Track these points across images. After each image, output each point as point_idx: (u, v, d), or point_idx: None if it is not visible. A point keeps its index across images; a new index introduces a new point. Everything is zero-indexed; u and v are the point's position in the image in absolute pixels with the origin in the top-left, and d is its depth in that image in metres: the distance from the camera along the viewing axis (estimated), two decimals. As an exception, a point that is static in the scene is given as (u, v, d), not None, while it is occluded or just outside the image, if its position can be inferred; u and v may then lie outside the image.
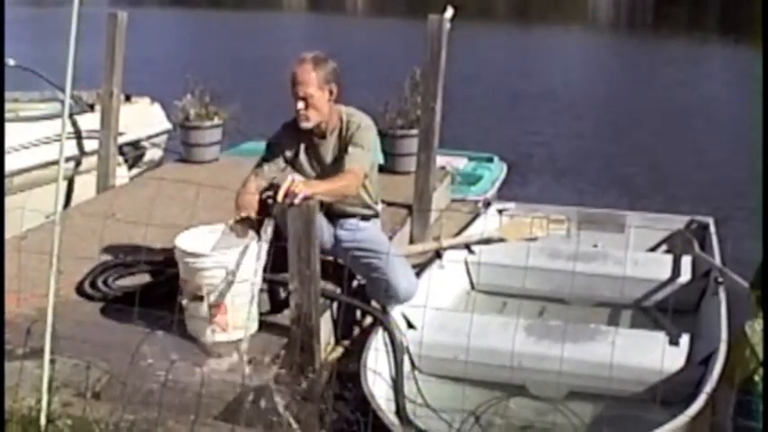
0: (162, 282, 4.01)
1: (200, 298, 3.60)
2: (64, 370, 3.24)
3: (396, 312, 4.10)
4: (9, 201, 5.08)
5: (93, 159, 6.59)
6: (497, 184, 7.69)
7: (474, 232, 5.45)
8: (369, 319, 4.32)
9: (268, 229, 3.63)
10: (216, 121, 6.79)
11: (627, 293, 4.78)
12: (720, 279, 4.52)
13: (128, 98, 7.41)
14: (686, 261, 4.97)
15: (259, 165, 4.12)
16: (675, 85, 17.75)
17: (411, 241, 5.49)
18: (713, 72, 20.49)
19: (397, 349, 3.84)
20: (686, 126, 13.52)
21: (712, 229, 5.58)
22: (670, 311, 4.26)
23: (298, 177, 3.67)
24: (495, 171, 7.93)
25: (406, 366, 3.90)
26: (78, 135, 6.69)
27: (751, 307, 3.73)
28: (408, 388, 3.78)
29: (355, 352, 3.92)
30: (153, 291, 3.91)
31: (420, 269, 4.84)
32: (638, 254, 5.38)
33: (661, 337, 3.97)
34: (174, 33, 28.51)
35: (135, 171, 7.43)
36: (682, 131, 13.05)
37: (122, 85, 6.55)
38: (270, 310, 3.91)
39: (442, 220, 5.90)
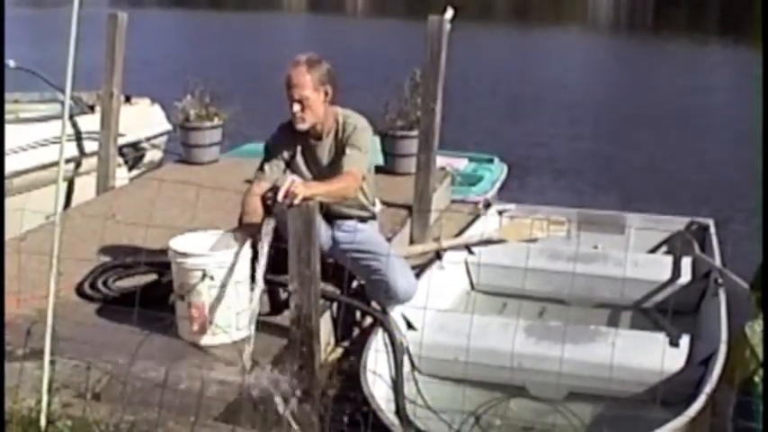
0: (161, 283, 4.00)
1: (182, 297, 3.61)
2: (64, 371, 3.24)
3: (396, 313, 4.10)
4: (9, 202, 5.08)
5: (93, 160, 6.59)
6: (498, 185, 7.69)
7: (474, 233, 5.45)
8: (369, 320, 4.32)
9: (269, 228, 3.63)
10: (216, 122, 6.79)
11: (627, 294, 4.78)
12: (720, 280, 4.53)
13: (128, 99, 7.41)
14: (686, 262, 4.97)
15: (260, 168, 4.12)
16: (675, 85, 17.75)
17: (411, 242, 5.49)
18: (713, 73, 20.47)
19: (396, 350, 3.84)
20: (686, 127, 13.53)
21: (712, 230, 5.59)
22: (670, 312, 4.26)
23: (298, 179, 3.67)
24: (496, 172, 7.93)
25: (406, 367, 3.90)
26: (78, 136, 6.69)
27: (751, 308, 3.74)
28: (408, 389, 3.79)
29: (355, 353, 3.93)
30: (153, 292, 3.91)
31: (420, 270, 4.85)
32: (639, 255, 5.38)
33: (661, 337, 3.97)
34: (174, 34, 28.50)
35: (135, 172, 7.42)
36: (682, 132, 13.05)
37: (122, 86, 6.56)
38: (270, 311, 3.91)
39: (442, 221, 5.90)
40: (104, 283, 4.14)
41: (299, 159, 4.13)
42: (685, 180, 10.22)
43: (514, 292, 4.93)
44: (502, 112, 14.60)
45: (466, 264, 5.16)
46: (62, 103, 4.98)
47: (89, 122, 6.71)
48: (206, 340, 3.63)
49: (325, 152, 4.11)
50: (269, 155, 4.14)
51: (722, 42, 26.32)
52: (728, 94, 16.49)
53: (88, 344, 3.45)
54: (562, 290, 4.84)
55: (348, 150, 3.98)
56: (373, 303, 4.24)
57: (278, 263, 3.63)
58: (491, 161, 8.23)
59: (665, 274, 4.90)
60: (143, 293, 3.72)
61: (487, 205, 6.27)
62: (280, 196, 3.45)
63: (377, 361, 3.72)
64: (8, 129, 5.73)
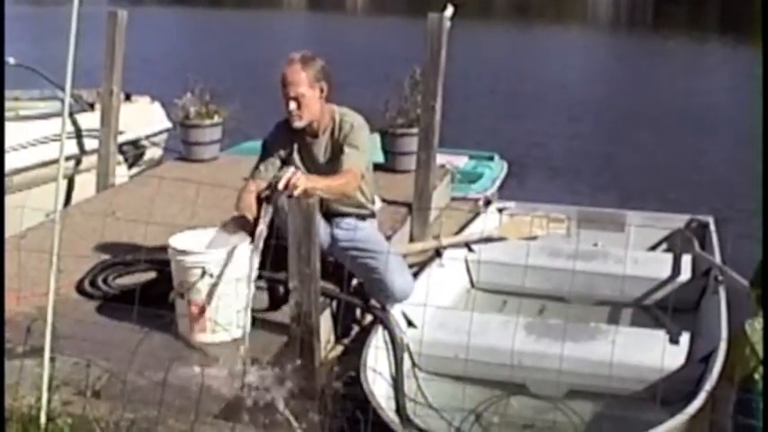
0: (162, 280, 4.00)
1: (182, 295, 3.61)
2: (64, 368, 3.24)
3: (396, 311, 4.10)
4: (9, 199, 5.07)
5: (93, 158, 6.59)
6: (498, 183, 7.68)
7: (474, 231, 5.45)
8: (369, 318, 4.32)
9: (267, 215, 3.63)
10: (216, 119, 6.79)
11: (627, 292, 4.79)
12: (720, 278, 4.53)
13: (128, 97, 7.40)
14: (686, 260, 4.97)
15: (256, 167, 4.13)
16: (675, 84, 17.74)
17: (411, 240, 5.49)
18: (713, 72, 20.47)
19: (397, 348, 3.84)
20: (686, 125, 13.51)
21: (712, 227, 5.59)
22: (670, 310, 4.27)
23: (300, 171, 3.68)
24: (496, 169, 7.92)
25: (406, 365, 3.91)
26: (78, 134, 6.69)
27: (751, 305, 3.74)
28: (408, 386, 3.79)
29: (355, 350, 3.93)
30: (153, 289, 3.91)
31: (420, 268, 4.85)
32: (638, 253, 5.38)
33: (661, 335, 3.97)
34: (174, 32, 28.50)
35: (135, 170, 7.42)
36: (682, 130, 13.04)
37: (122, 83, 6.55)
38: (268, 306, 3.91)
39: (442, 219, 5.90)
40: (104, 281, 4.15)
41: (296, 157, 4.13)
42: (685, 178, 10.21)
43: (514, 289, 4.93)
44: (502, 110, 14.60)
45: (466, 261, 5.16)
46: (62, 100, 4.99)
47: (89, 120, 6.71)
48: (206, 338, 3.63)
49: (321, 150, 4.11)
50: (266, 153, 4.15)
51: (722, 41, 26.34)
52: (728, 93, 16.48)
53: (88, 341, 3.45)
54: (562, 287, 4.84)
55: (347, 149, 3.99)
56: (373, 301, 4.24)
57: (277, 260, 3.64)
58: (491, 159, 8.22)
59: (665, 272, 4.90)
60: (143, 291, 3.72)
61: (487, 203, 6.27)
62: (281, 185, 3.46)
63: (377, 358, 3.72)
64: (8, 126, 5.74)
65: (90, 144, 6.69)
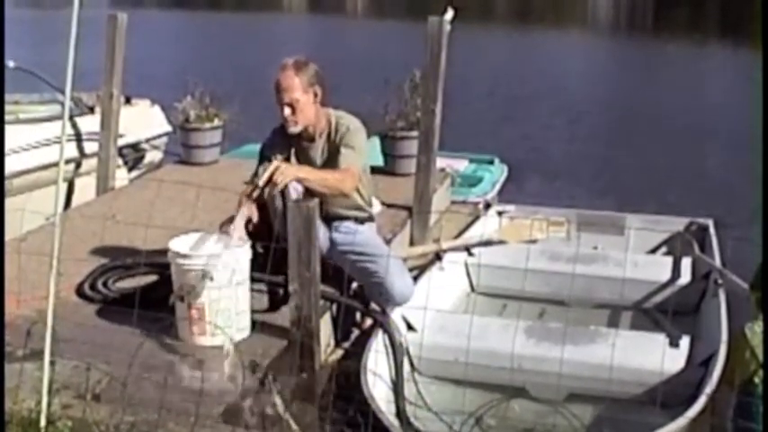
0: (162, 283, 4.00)
1: (182, 298, 3.61)
2: (64, 372, 3.24)
3: (396, 314, 4.10)
4: (9, 202, 5.08)
5: (93, 161, 6.59)
6: (498, 186, 7.68)
7: (474, 234, 5.45)
8: (369, 321, 4.32)
9: (243, 211, 3.68)
10: (216, 122, 6.79)
11: (627, 295, 4.78)
12: (720, 281, 4.53)
13: (128, 100, 7.40)
14: (686, 263, 4.97)
15: (255, 173, 4.14)
16: (675, 87, 17.75)
17: (411, 243, 5.49)
18: (712, 75, 20.48)
19: (396, 351, 3.84)
20: (686, 128, 13.51)
21: (712, 230, 5.59)
22: (670, 313, 4.26)
23: (284, 163, 3.69)
24: (496, 173, 7.92)
25: (406, 368, 3.90)
26: (78, 137, 6.69)
27: (751, 308, 3.74)
28: (408, 390, 3.79)
29: (355, 354, 3.93)
30: (153, 292, 3.91)
31: (420, 271, 4.85)
32: (638, 256, 5.39)
33: (661, 338, 3.97)
34: (174, 35, 28.49)
35: (135, 173, 7.42)
36: (682, 134, 13.04)
37: (122, 86, 6.56)
38: (268, 307, 3.92)
39: (442, 222, 5.90)
40: (104, 284, 4.15)
41: (293, 161, 4.14)
42: (685, 181, 10.21)
43: (514, 293, 4.93)
44: (502, 114, 14.59)
45: (466, 265, 5.16)
46: (62, 103, 4.98)
47: (89, 123, 6.71)
48: (206, 341, 3.63)
49: (318, 153, 4.12)
50: (264, 158, 4.16)
51: (722, 44, 26.33)
52: (728, 97, 16.48)
53: (88, 344, 3.45)
54: (562, 291, 4.84)
55: (343, 150, 4.00)
56: (373, 304, 4.25)
57: (277, 263, 3.64)
58: (491, 162, 8.21)
59: (665, 275, 4.90)
60: (143, 294, 3.72)
61: (487, 206, 6.27)
62: (261, 182, 3.47)
63: (377, 362, 3.72)
64: (8, 129, 5.73)
65: (90, 147, 6.69)
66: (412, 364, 3.98)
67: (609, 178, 10.53)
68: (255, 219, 3.83)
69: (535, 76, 19.55)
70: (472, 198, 6.91)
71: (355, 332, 4.38)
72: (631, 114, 14.70)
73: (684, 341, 3.92)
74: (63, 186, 6.28)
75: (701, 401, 3.32)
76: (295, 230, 3.41)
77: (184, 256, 3.63)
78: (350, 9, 45.46)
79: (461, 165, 7.71)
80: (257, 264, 3.76)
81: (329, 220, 4.19)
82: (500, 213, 5.98)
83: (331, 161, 4.05)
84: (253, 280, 3.75)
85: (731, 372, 3.53)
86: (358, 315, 4.38)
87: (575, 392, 3.78)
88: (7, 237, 4.28)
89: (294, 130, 4.03)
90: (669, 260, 5.00)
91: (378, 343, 3.83)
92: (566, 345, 3.71)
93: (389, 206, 5.47)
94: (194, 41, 26.74)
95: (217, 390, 3.21)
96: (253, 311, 3.78)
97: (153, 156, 7.76)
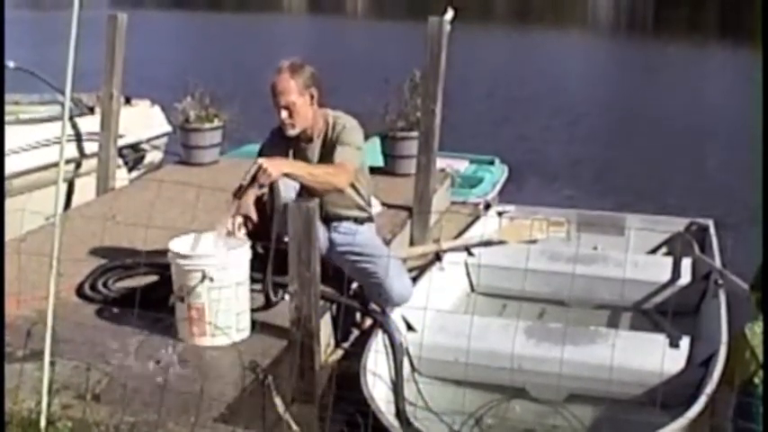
0: (162, 284, 4.00)
1: (182, 299, 3.61)
2: (64, 372, 3.24)
3: (396, 314, 4.10)
4: (9, 203, 5.08)
5: (93, 162, 6.59)
6: (498, 187, 7.68)
7: (474, 234, 5.45)
8: (369, 322, 4.32)
9: (232, 210, 3.70)
10: (216, 123, 6.79)
11: (627, 296, 4.79)
12: (720, 281, 4.53)
13: (128, 101, 7.41)
14: (686, 263, 4.97)
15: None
16: (675, 87, 17.75)
17: (411, 243, 5.49)
18: (712, 75, 20.49)
19: (396, 351, 3.84)
20: (686, 129, 13.52)
21: (712, 231, 5.59)
22: (670, 314, 4.26)
23: (267, 161, 3.70)
24: (496, 173, 7.92)
25: (406, 368, 3.90)
26: (78, 137, 6.69)
27: (751, 309, 3.73)
28: (408, 390, 3.79)
29: (355, 354, 3.93)
30: (153, 293, 3.91)
31: (420, 271, 4.85)
32: (638, 256, 5.39)
33: (661, 339, 3.97)
34: (174, 35, 28.51)
35: (135, 173, 7.42)
36: (681, 134, 13.05)
37: (122, 87, 6.56)
38: (264, 305, 3.92)
39: (442, 223, 5.90)
40: (104, 285, 4.14)
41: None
42: (685, 182, 10.21)
43: (514, 293, 4.93)
44: (502, 114, 14.59)
45: (466, 265, 5.16)
46: (62, 104, 4.99)
47: (89, 124, 6.71)
48: (205, 341, 3.63)
49: (315, 153, 4.13)
50: None
51: (722, 44, 26.34)
52: (728, 97, 16.48)
53: (88, 345, 3.45)
54: (562, 291, 4.84)
55: (339, 147, 4.01)
56: (373, 305, 4.25)
57: (277, 264, 3.64)
58: (492, 163, 8.22)
59: (665, 276, 4.91)
60: (143, 295, 3.72)
61: (487, 206, 6.27)
62: (246, 181, 3.47)
63: (377, 362, 3.72)
64: (8, 130, 5.73)
65: (90, 148, 6.69)
66: (412, 365, 3.99)
67: (609, 179, 10.53)
68: (255, 218, 3.83)
69: (535, 76, 19.55)
70: (472, 198, 6.92)
71: (355, 332, 4.39)
72: (631, 115, 14.70)
73: (684, 341, 3.92)
74: (63, 187, 6.28)
75: (701, 402, 3.32)
76: (295, 231, 3.41)
77: (184, 257, 3.63)
78: (350, 9, 45.49)
79: (461, 165, 7.71)
80: (257, 264, 3.76)
81: (329, 220, 4.19)
82: (500, 214, 5.98)
83: (327, 158, 4.05)
84: (253, 280, 3.75)
85: (731, 372, 3.53)
86: (358, 315, 4.38)
87: (575, 393, 3.78)
88: (7, 237, 4.28)
89: (291, 132, 4.04)
90: (669, 261, 5.00)
91: (378, 343, 3.83)
92: (566, 345, 3.71)
93: (389, 206, 5.47)
94: (194, 42, 26.75)
95: (217, 390, 3.21)
96: (253, 311, 3.78)
97: (153, 156, 7.76)
